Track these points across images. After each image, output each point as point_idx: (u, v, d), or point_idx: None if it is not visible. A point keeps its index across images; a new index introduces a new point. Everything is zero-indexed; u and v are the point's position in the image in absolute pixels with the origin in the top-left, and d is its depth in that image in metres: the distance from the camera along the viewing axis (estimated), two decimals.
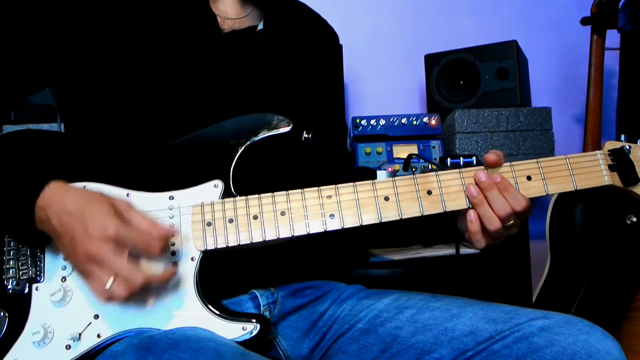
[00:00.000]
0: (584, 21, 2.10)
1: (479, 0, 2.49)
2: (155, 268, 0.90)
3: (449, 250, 1.74)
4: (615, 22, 2.04)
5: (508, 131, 2.00)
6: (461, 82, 2.16)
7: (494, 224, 0.92)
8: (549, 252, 1.85)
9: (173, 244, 0.92)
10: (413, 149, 1.99)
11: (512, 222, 0.92)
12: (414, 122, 2.01)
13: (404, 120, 2.01)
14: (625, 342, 1.61)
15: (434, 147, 2.01)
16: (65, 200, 0.85)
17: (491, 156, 0.95)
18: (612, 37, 2.13)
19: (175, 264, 0.91)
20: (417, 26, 2.47)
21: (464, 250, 1.74)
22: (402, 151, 1.99)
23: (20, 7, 1.02)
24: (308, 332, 1.07)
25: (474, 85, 2.11)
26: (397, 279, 1.73)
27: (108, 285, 0.82)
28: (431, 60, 2.18)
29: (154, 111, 1.02)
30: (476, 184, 0.94)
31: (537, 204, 2.38)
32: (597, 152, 1.00)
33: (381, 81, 2.43)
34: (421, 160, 1.89)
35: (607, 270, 1.74)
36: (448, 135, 2.06)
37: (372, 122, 2.01)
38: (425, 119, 2.01)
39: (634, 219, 1.75)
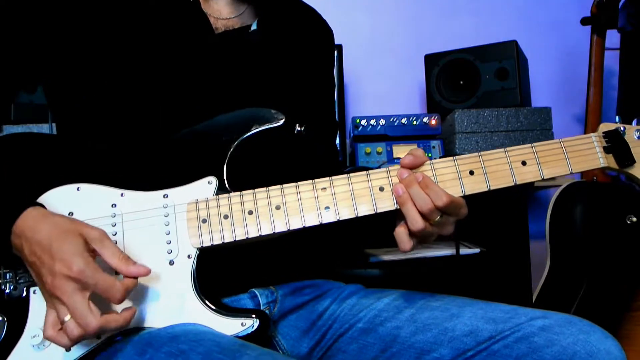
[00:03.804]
0: (584, 21, 2.10)
1: (479, 0, 2.49)
2: (150, 267, 0.89)
3: (449, 250, 1.74)
4: (615, 22, 2.04)
5: (508, 131, 2.00)
6: (461, 82, 2.16)
7: (416, 224, 0.90)
8: (549, 252, 1.85)
9: (169, 242, 0.92)
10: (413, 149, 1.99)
11: (438, 218, 0.90)
12: (414, 122, 2.01)
13: (404, 120, 2.01)
14: (625, 342, 1.61)
15: (434, 147, 2.01)
16: (38, 231, 0.83)
17: (406, 160, 0.94)
18: (612, 37, 2.13)
19: (171, 262, 0.91)
20: (417, 26, 2.47)
21: (464, 250, 1.74)
22: (402, 151, 1.99)
23: (15, 6, 1.02)
24: (308, 332, 1.07)
25: (474, 85, 2.11)
26: (397, 279, 1.73)
27: (66, 318, 0.81)
28: (431, 60, 2.18)
29: (147, 112, 1.02)
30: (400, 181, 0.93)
31: (537, 203, 2.38)
32: (592, 134, 0.99)
33: (381, 81, 2.43)
34: None
35: (607, 270, 1.74)
36: (448, 135, 2.06)
37: (372, 122, 2.01)
38: (425, 119, 2.01)
39: (634, 219, 1.75)
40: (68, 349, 0.85)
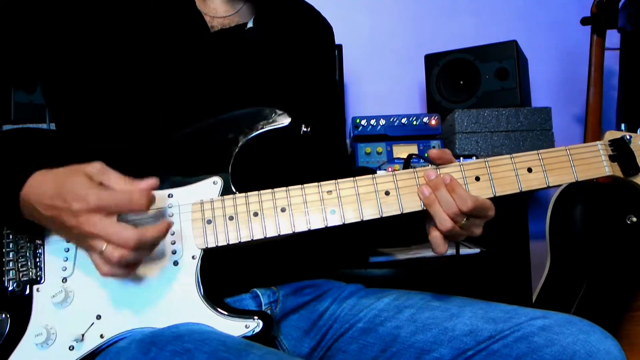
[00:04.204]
0: (584, 21, 2.10)
1: (479, 0, 2.49)
2: (154, 267, 0.90)
3: (449, 250, 1.74)
4: (615, 22, 2.04)
5: (508, 131, 2.00)
6: (461, 82, 2.16)
7: (445, 224, 0.90)
8: (549, 252, 1.86)
9: (174, 243, 0.92)
10: (413, 149, 1.99)
11: (464, 222, 0.91)
12: (414, 122, 2.01)
13: (404, 120, 2.01)
14: (625, 342, 1.62)
15: (434, 147, 2.00)
16: (43, 187, 0.85)
17: (434, 151, 0.95)
18: (612, 37, 2.13)
19: (176, 263, 0.91)
20: (417, 26, 2.47)
21: (464, 250, 1.74)
22: (402, 151, 1.99)
23: (14, 6, 1.02)
24: (308, 332, 1.07)
25: (474, 85, 2.11)
26: (397, 279, 1.73)
27: (103, 247, 0.81)
28: (431, 60, 2.18)
29: (147, 111, 1.02)
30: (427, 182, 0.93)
31: (537, 203, 2.39)
32: (598, 142, 0.99)
33: (381, 81, 2.43)
34: (421, 161, 1.89)
35: (607, 270, 1.75)
36: (448, 135, 2.06)
37: (372, 122, 2.01)
38: (425, 119, 2.01)
39: (634, 219, 1.75)
40: (121, 275, 0.85)
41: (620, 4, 2.05)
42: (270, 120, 0.97)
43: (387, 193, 0.94)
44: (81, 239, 0.84)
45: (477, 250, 1.75)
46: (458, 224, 0.91)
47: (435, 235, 0.93)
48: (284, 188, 0.93)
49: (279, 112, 0.97)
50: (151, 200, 0.84)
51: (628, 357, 0.88)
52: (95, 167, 0.85)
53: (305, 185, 0.94)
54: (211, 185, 0.94)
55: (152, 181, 0.85)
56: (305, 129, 1.03)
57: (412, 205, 0.94)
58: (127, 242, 0.80)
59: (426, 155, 0.98)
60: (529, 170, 0.96)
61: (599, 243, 1.77)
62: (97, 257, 0.83)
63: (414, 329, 0.98)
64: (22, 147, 0.95)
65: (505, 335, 0.91)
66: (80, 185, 0.82)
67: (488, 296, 1.07)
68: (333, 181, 0.94)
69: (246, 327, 0.89)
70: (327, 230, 0.93)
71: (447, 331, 0.95)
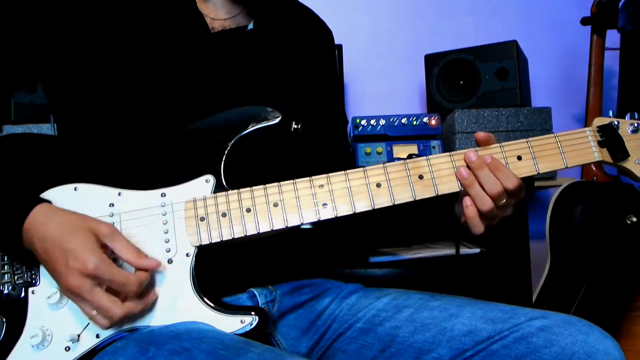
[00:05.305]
0: (584, 21, 2.10)
1: (479, 0, 2.49)
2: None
3: (449, 250, 1.74)
4: (615, 22, 2.04)
5: (508, 131, 2.00)
6: (461, 82, 2.16)
7: (486, 204, 0.92)
8: (549, 252, 1.85)
9: (167, 241, 0.92)
10: (413, 149, 1.98)
11: (504, 201, 0.93)
12: (414, 122, 2.01)
13: (404, 120, 2.01)
14: (625, 342, 1.61)
15: (434, 147, 2.00)
16: (49, 227, 0.85)
17: (481, 134, 0.96)
18: (612, 37, 2.13)
19: (170, 261, 0.91)
20: (417, 26, 2.47)
21: (464, 250, 1.74)
22: (402, 151, 1.99)
23: (15, 6, 1.02)
24: (307, 331, 1.07)
25: (474, 85, 2.10)
26: (397, 278, 1.73)
27: (94, 313, 0.85)
28: (431, 60, 2.18)
29: (147, 112, 1.02)
30: (467, 165, 0.94)
31: (537, 203, 2.38)
32: (586, 128, 1.00)
33: (381, 81, 2.43)
34: None
35: (607, 270, 1.74)
36: (448, 135, 2.05)
37: (372, 122, 2.00)
38: (425, 119, 2.01)
39: (634, 219, 1.75)
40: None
41: (620, 4, 2.04)
42: (261, 118, 0.97)
43: (378, 185, 0.94)
44: (69, 294, 0.86)
45: (477, 250, 1.75)
46: (497, 203, 0.92)
47: (473, 217, 0.93)
48: (276, 183, 0.94)
49: (269, 109, 0.97)
50: (143, 285, 0.86)
51: (628, 357, 0.88)
52: (105, 229, 0.87)
53: (297, 180, 0.94)
54: (204, 184, 0.94)
55: (154, 264, 0.88)
56: (295, 126, 1.03)
57: (404, 196, 0.94)
58: (113, 318, 0.84)
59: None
60: (519, 158, 0.96)
61: (599, 243, 1.77)
62: (84, 312, 0.86)
63: (413, 329, 0.98)
64: (18, 155, 0.95)
65: (504, 335, 0.91)
66: (84, 244, 0.84)
67: (488, 296, 1.06)
68: (324, 175, 0.94)
69: (241, 322, 0.89)
70: (325, 229, 0.93)
71: (446, 331, 0.95)
